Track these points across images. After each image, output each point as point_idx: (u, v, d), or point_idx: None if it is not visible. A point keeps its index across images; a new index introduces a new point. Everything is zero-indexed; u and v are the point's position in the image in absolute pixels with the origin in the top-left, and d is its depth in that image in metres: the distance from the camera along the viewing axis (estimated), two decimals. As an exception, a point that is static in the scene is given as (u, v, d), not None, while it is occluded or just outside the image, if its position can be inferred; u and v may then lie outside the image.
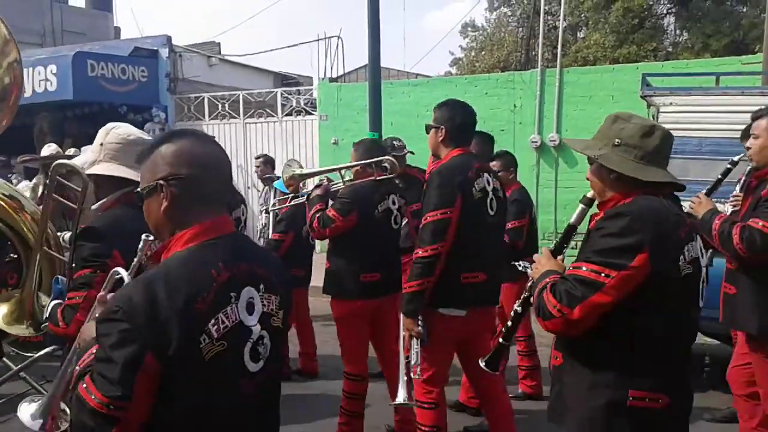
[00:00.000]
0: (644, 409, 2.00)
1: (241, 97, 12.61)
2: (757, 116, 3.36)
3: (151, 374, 1.47)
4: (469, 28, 25.75)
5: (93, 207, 2.67)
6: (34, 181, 6.28)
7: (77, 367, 1.62)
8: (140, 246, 1.91)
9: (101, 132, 2.60)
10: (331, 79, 12.58)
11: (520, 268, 2.61)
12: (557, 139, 9.90)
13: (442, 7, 56.13)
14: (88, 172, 2.57)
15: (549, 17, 19.20)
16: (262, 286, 1.66)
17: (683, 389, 2.10)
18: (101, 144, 2.55)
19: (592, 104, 9.70)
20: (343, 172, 4.40)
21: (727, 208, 3.80)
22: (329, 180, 4.50)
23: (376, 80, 9.03)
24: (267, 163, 7.17)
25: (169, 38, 13.16)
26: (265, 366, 1.65)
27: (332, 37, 12.75)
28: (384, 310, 4.08)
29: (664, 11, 20.43)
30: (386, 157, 4.25)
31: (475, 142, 4.08)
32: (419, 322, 3.29)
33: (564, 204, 9.81)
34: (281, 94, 12.64)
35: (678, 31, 20.22)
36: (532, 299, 2.18)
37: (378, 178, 4.13)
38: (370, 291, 4.05)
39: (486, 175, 3.49)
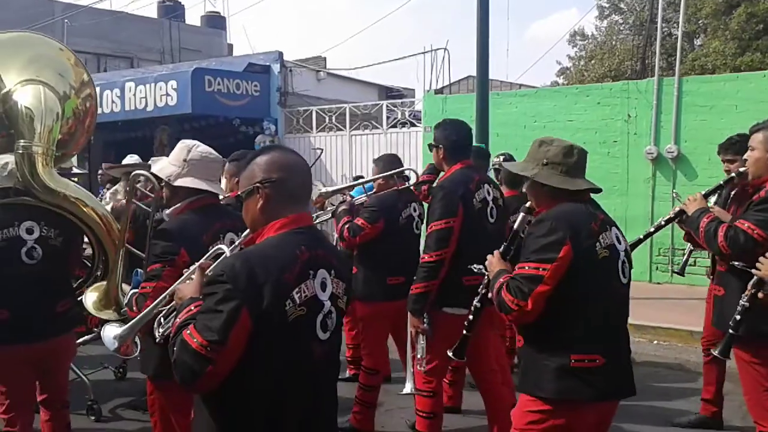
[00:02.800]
0: (584, 368, 2.49)
1: (347, 109, 12.82)
2: (754, 130, 3.51)
3: (244, 328, 1.80)
4: (578, 37, 25.17)
5: (166, 212, 3.16)
6: (116, 186, 6.58)
7: (178, 320, 1.97)
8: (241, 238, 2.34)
9: (182, 149, 3.05)
10: (436, 91, 12.55)
11: (475, 270, 2.95)
12: (675, 150, 9.41)
13: (546, 16, 55.11)
14: (175, 183, 3.01)
15: (664, 24, 18.42)
16: (333, 272, 2.03)
17: (617, 349, 2.61)
18: (185, 159, 3.01)
19: (714, 114, 9.16)
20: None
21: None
22: (351, 196, 4.98)
23: (484, 91, 8.92)
24: None
25: (280, 54, 13.58)
26: (330, 337, 2.02)
27: (439, 49, 12.74)
28: (403, 310, 4.17)
29: (792, 15, 19.10)
30: (407, 167, 4.77)
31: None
32: (425, 320, 3.65)
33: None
34: (386, 106, 12.74)
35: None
36: (490, 295, 2.72)
37: (400, 187, 4.61)
38: (396, 293, 4.31)
39: (486, 186, 3.89)
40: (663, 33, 16.32)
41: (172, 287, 2.35)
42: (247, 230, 2.19)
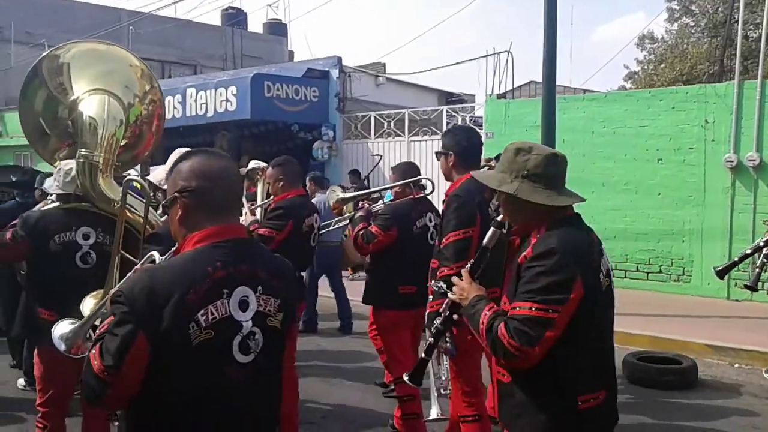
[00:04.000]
0: (591, 408, 2.23)
1: (406, 115, 12.56)
2: None
3: (141, 351, 1.72)
4: (647, 41, 24.31)
5: (162, 219, 3.19)
6: None
7: (98, 330, 1.89)
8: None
9: (175, 154, 3.04)
10: (499, 96, 12.16)
11: (436, 289, 2.75)
12: (757, 158, 8.77)
13: (612, 20, 53.77)
14: (164, 187, 2.98)
15: (734, 25, 17.54)
16: (260, 288, 1.89)
17: (614, 377, 2.41)
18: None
19: (801, 119, 8.52)
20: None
21: None
22: (369, 203, 4.98)
23: (551, 96, 8.50)
24: (313, 180, 7.86)
25: (339, 59, 13.45)
26: (255, 359, 1.87)
27: (502, 52, 12.38)
28: (421, 320, 4.07)
29: None
30: (423, 176, 4.73)
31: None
32: (447, 339, 3.20)
33: (763, 231, 8.61)
34: (446, 112, 12.44)
35: None
36: (473, 324, 2.33)
37: (416, 196, 4.56)
38: (408, 302, 4.29)
39: None
40: (725, 35, 15.49)
41: (113, 290, 2.15)
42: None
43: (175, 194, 1.92)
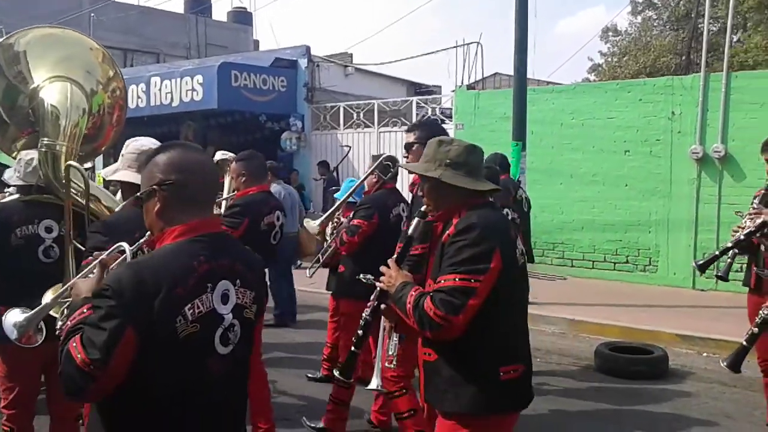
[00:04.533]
0: (512, 380, 2.38)
1: (375, 106, 12.49)
2: None
3: (129, 345, 1.70)
4: (611, 33, 24.60)
5: (117, 208, 3.17)
6: None
7: (69, 322, 1.86)
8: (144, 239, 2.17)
9: (124, 146, 3.08)
10: (468, 87, 12.16)
11: (364, 281, 2.81)
12: (722, 150, 8.91)
13: (574, 13, 54.33)
14: (109, 178, 3.13)
15: (701, 19, 17.79)
16: (238, 281, 1.93)
17: (529, 355, 2.51)
18: (122, 155, 3.06)
19: (765, 111, 8.65)
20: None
21: (746, 222, 4.05)
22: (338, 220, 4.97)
23: (522, 88, 8.53)
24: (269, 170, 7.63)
25: (308, 48, 13.31)
26: (233, 350, 1.92)
27: (471, 43, 12.36)
28: None
29: (839, 9, 18.39)
30: (384, 155, 4.74)
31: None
32: None
33: (729, 222, 8.73)
34: (416, 103, 12.40)
35: None
36: (400, 307, 2.45)
37: (385, 180, 4.58)
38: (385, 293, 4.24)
39: None
40: (700, 29, 15.73)
41: (72, 280, 2.20)
42: (148, 233, 2.09)
43: (154, 187, 1.91)
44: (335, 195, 5.94)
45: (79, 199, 3.49)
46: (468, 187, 2.47)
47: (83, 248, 3.29)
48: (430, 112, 12.17)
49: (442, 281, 2.32)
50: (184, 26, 22.83)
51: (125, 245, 2.14)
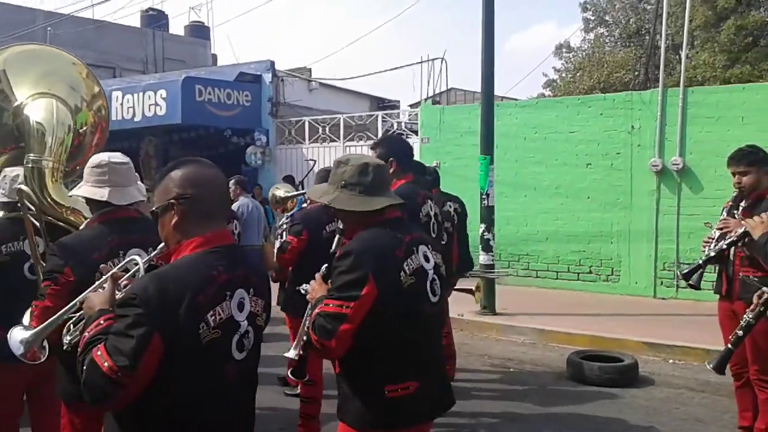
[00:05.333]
0: (399, 397, 2.42)
1: (341, 120, 12.55)
2: None
3: (156, 352, 1.77)
4: (564, 50, 25.17)
5: (81, 227, 3.12)
6: None
7: (86, 334, 1.91)
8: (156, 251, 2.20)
9: (95, 163, 2.98)
10: (434, 101, 12.32)
11: (302, 292, 2.87)
12: (681, 162, 9.23)
13: (526, 28, 55.44)
14: (70, 194, 3.11)
15: (648, 37, 18.41)
16: (252, 290, 2.03)
17: (430, 370, 2.53)
18: (85, 171, 3.01)
19: (720, 125, 9.00)
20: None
21: (714, 233, 4.19)
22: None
23: (489, 103, 8.69)
24: (238, 184, 7.86)
25: (272, 63, 13.30)
26: (247, 356, 2.01)
27: (436, 59, 12.55)
28: None
29: (781, 28, 19.22)
30: (324, 167, 4.87)
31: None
32: None
33: (687, 232, 9.12)
34: (381, 117, 12.50)
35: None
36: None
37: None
38: None
39: (429, 201, 4.30)
40: (651, 45, 16.26)
41: (82, 295, 2.22)
42: (161, 244, 2.13)
43: (171, 201, 1.99)
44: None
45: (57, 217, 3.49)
46: (355, 209, 2.53)
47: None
48: (395, 126, 12.28)
49: (323, 305, 2.42)
50: (141, 40, 22.52)
51: (138, 258, 2.22)
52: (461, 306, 8.52)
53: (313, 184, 13.42)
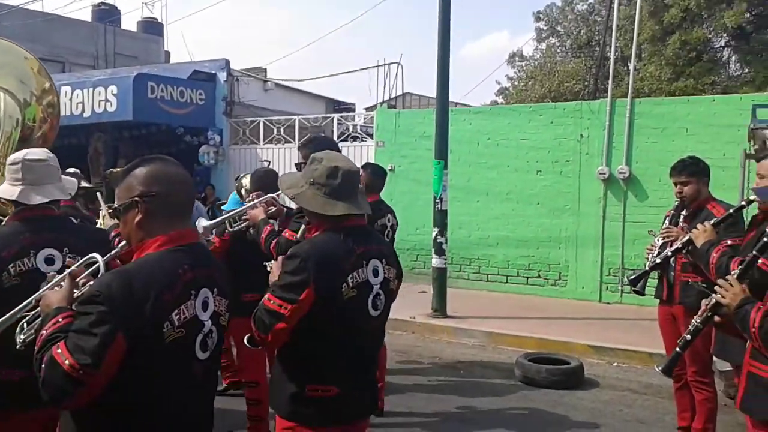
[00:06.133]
0: (317, 398, 2.49)
1: (296, 121, 12.51)
2: (761, 157, 3.46)
3: (119, 350, 1.75)
4: (517, 58, 25.62)
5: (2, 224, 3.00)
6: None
7: (44, 331, 1.89)
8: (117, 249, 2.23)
9: (19, 157, 2.88)
10: (389, 105, 12.40)
11: (268, 269, 2.88)
12: (627, 171, 9.52)
13: (480, 37, 56.21)
14: None
15: (598, 48, 18.91)
16: (216, 289, 2.04)
17: (357, 379, 2.57)
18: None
19: (665, 136, 9.32)
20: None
21: (658, 240, 4.37)
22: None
23: (444, 108, 8.81)
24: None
25: (227, 62, 13.16)
26: (210, 355, 2.01)
27: (392, 63, 12.63)
28: None
29: (723, 44, 19.96)
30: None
31: (369, 174, 5.16)
32: None
33: (632, 239, 9.41)
34: (336, 120, 12.52)
35: (737, 65, 19.71)
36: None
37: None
38: (251, 310, 4.30)
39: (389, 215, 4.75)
40: (599, 56, 16.72)
41: (38, 293, 2.19)
42: (123, 242, 2.15)
43: (135, 198, 1.97)
44: (222, 207, 5.94)
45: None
46: (314, 211, 2.55)
47: None
48: (350, 129, 12.32)
49: (266, 299, 2.47)
50: (92, 35, 22.01)
51: (97, 256, 2.17)
52: (413, 309, 8.62)
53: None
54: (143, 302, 1.80)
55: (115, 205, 2.04)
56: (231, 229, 4.51)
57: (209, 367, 2.04)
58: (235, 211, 4.59)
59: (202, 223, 4.84)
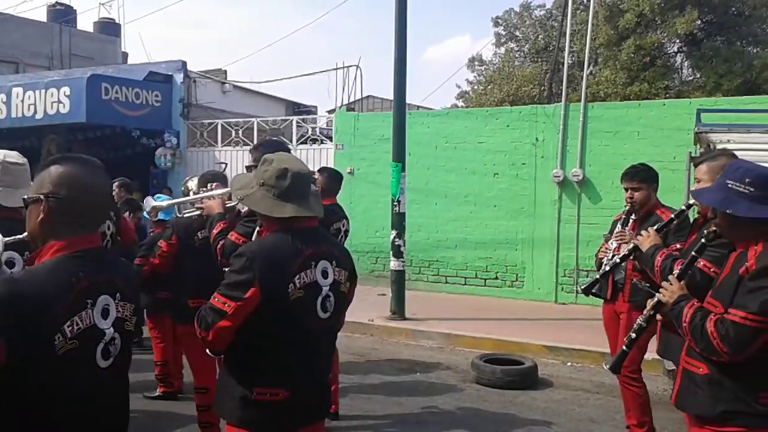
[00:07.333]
0: (266, 401, 2.45)
1: (255, 124, 12.43)
2: (699, 162, 3.48)
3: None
4: (476, 63, 25.83)
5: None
6: None
7: None
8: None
9: None
10: (350, 108, 12.41)
11: None
12: (581, 174, 9.70)
13: (441, 41, 56.62)
14: None
15: (561, 53, 19.17)
16: (118, 295, 1.95)
17: (306, 381, 2.53)
18: None
19: (617, 140, 9.53)
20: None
21: (612, 243, 4.49)
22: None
23: (401, 111, 8.86)
24: (122, 186, 7.56)
25: (184, 63, 13.01)
26: (114, 362, 1.94)
27: (351, 66, 12.64)
28: None
29: (675, 50, 20.45)
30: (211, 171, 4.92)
31: (326, 177, 5.28)
32: None
33: (586, 240, 9.58)
34: (296, 122, 12.48)
35: (689, 70, 20.20)
36: None
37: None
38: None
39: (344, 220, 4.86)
40: (553, 61, 17.00)
41: None
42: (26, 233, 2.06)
43: (41, 196, 1.90)
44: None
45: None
46: (262, 212, 2.55)
47: None
48: (310, 132, 12.29)
49: (212, 297, 2.46)
50: (47, 35, 21.51)
51: (15, 254, 2.19)
52: (372, 311, 8.64)
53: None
54: (30, 313, 1.71)
55: (24, 196, 1.99)
56: (179, 215, 4.48)
57: (115, 373, 1.96)
58: (194, 197, 4.48)
59: (151, 202, 4.81)
